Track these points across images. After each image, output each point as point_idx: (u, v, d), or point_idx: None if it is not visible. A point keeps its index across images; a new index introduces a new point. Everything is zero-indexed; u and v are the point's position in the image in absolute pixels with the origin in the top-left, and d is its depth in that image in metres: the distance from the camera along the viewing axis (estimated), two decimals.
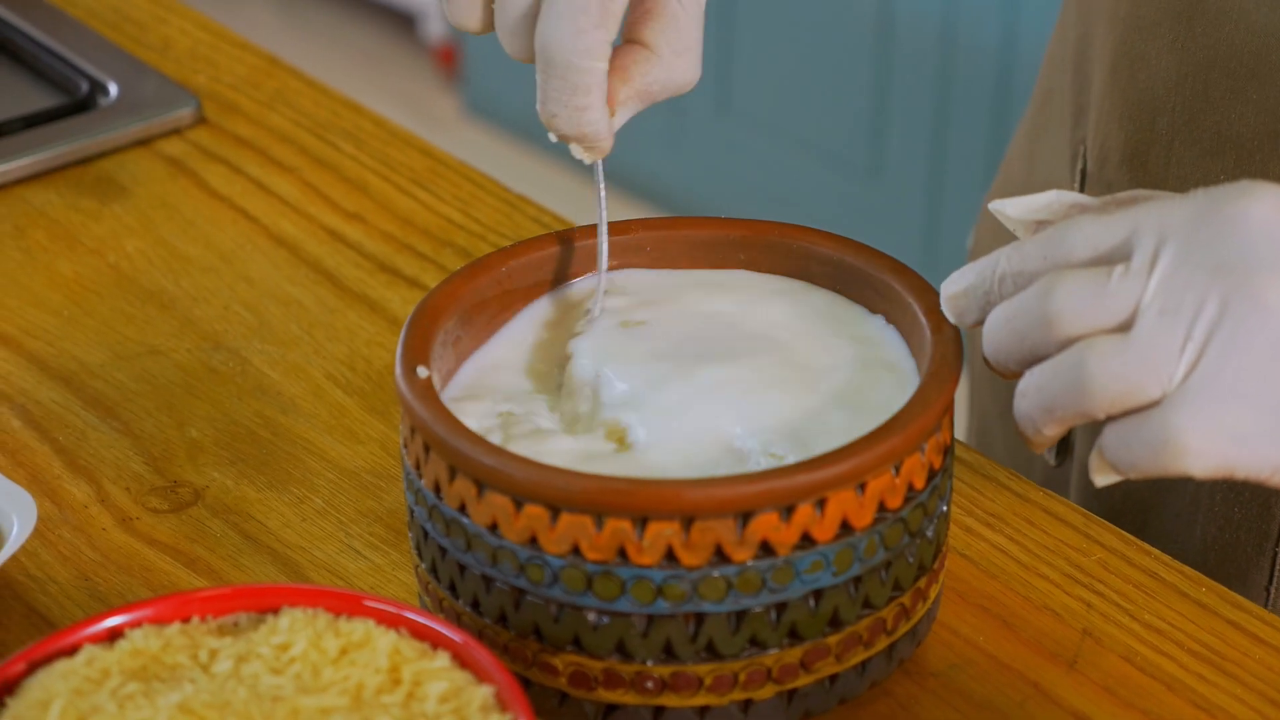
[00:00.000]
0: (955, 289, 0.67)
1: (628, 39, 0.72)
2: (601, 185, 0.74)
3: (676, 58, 0.72)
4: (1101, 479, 0.65)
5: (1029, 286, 0.65)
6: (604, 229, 0.74)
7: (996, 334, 0.66)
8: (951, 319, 0.68)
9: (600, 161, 0.73)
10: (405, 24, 2.97)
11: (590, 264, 0.74)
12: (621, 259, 0.74)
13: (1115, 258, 0.64)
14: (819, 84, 2.28)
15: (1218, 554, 0.84)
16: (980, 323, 0.67)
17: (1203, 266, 0.62)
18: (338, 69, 2.86)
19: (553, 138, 0.71)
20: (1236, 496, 0.83)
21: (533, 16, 0.70)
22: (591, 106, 0.70)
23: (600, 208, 0.74)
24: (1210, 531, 0.84)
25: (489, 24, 0.72)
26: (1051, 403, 0.64)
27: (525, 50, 0.71)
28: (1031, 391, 0.65)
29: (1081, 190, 0.88)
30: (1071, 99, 0.91)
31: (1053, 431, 0.65)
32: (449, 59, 2.85)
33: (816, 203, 2.34)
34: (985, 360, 0.67)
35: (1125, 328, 0.63)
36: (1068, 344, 0.64)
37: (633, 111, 0.72)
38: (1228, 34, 0.80)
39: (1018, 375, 0.66)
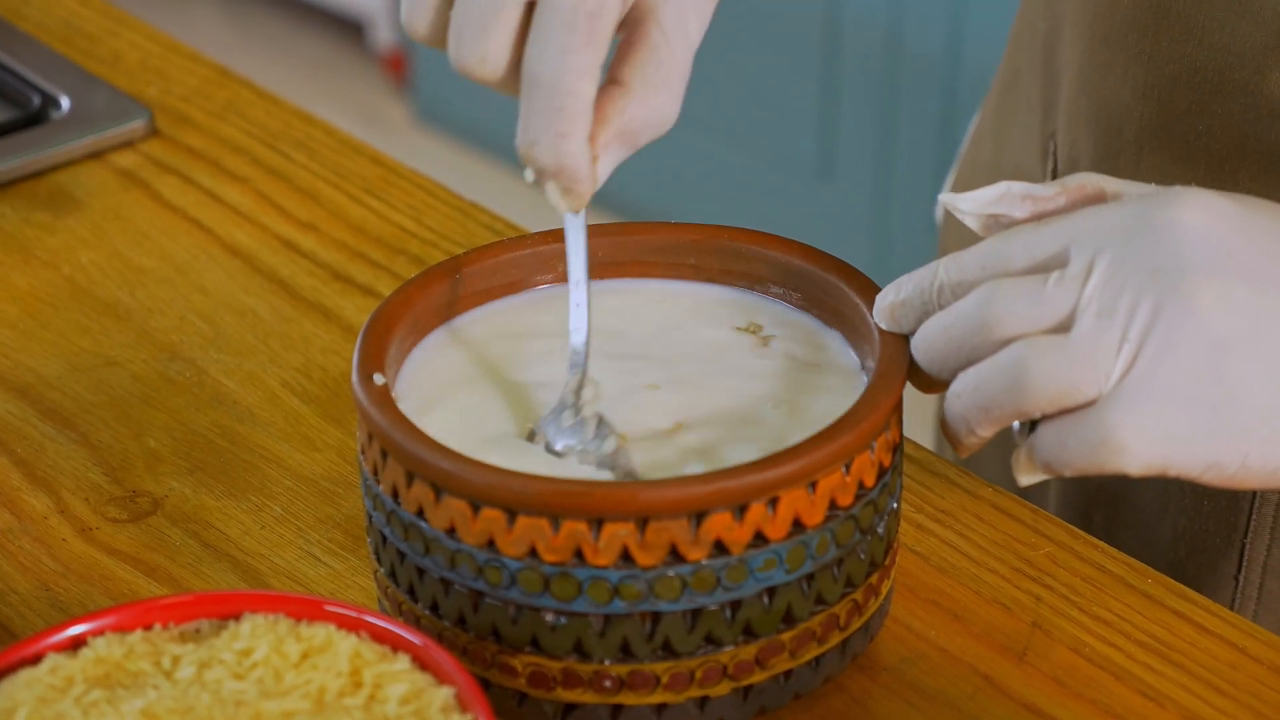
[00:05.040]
0: (894, 299, 0.68)
1: (608, 79, 0.68)
2: (580, 250, 0.68)
3: (651, 91, 0.68)
4: (1026, 478, 0.67)
5: (966, 296, 0.66)
6: (585, 308, 0.69)
7: (933, 342, 0.67)
8: (886, 326, 0.69)
9: (582, 221, 0.68)
10: (354, 32, 2.97)
11: (544, 269, 0.75)
12: None
13: (1052, 266, 0.65)
14: (767, 86, 2.29)
15: (1187, 545, 0.85)
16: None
17: (1137, 271, 0.63)
18: (287, 77, 2.86)
19: (528, 176, 0.67)
20: (1205, 489, 0.84)
21: (519, 40, 0.66)
22: (573, 135, 0.65)
23: (577, 281, 0.68)
24: (1180, 523, 0.85)
25: (439, 37, 0.67)
26: (989, 401, 0.65)
27: (502, 72, 0.66)
28: (967, 392, 0.66)
29: None
30: (1041, 91, 0.91)
31: (985, 432, 0.66)
32: (398, 66, 2.85)
33: (766, 205, 2.35)
34: (913, 371, 0.67)
35: (1063, 329, 0.64)
36: (1005, 345, 0.65)
37: (616, 158, 0.68)
38: (1191, 50, 0.80)
39: (944, 387, 0.67)
